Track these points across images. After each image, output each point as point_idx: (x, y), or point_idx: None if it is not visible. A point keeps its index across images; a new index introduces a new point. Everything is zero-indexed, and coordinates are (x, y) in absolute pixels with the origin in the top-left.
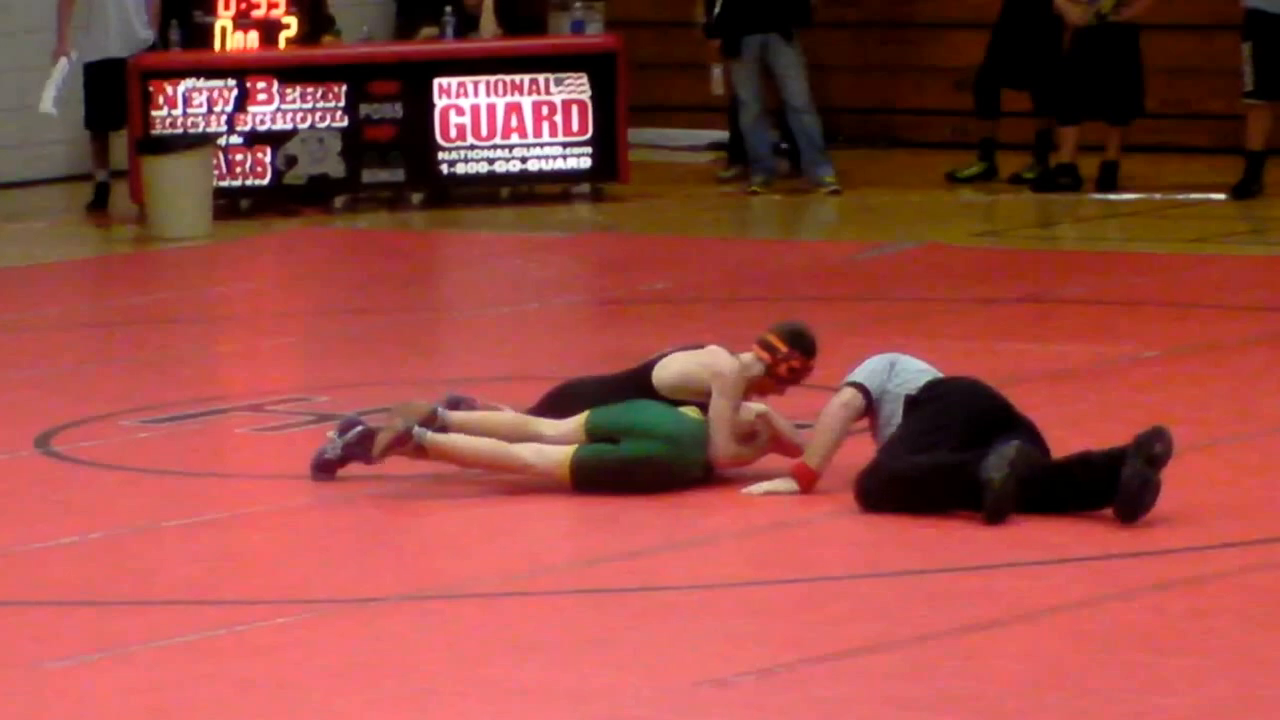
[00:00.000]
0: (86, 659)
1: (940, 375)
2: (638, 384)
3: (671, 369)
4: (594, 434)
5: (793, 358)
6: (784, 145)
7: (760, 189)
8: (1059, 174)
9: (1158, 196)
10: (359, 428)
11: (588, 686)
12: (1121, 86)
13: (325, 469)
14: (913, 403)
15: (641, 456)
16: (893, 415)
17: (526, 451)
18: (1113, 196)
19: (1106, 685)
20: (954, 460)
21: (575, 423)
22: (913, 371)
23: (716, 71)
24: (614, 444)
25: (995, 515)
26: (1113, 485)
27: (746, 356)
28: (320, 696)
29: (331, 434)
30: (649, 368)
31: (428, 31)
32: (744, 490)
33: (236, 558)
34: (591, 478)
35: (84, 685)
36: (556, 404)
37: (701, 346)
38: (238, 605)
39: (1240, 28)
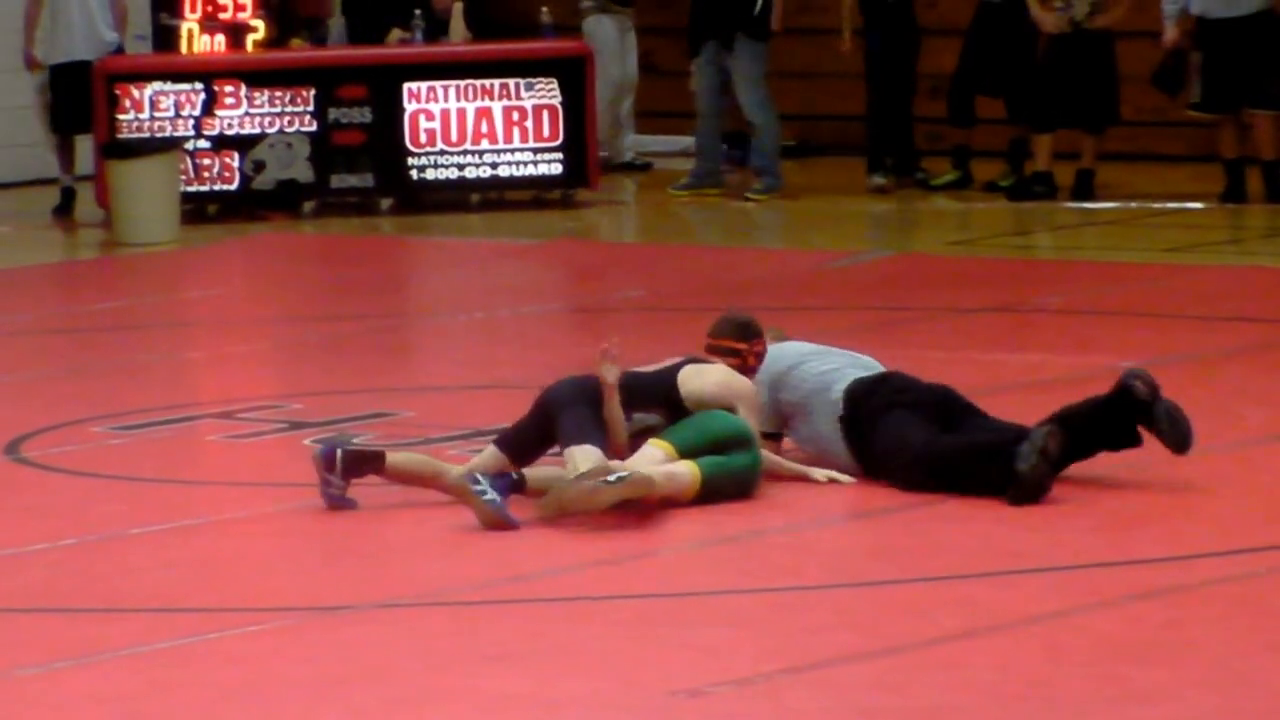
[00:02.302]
0: (57, 666)
1: (837, 372)
2: (665, 392)
3: (699, 386)
4: (686, 454)
5: (756, 345)
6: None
7: (684, 194)
8: (1034, 182)
9: (1134, 205)
10: (339, 455)
11: (560, 696)
12: (1096, 94)
13: (341, 503)
14: (854, 418)
15: (756, 465)
16: (816, 417)
17: (659, 474)
18: (1089, 205)
19: (1083, 697)
20: (989, 441)
21: (660, 448)
22: (800, 371)
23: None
24: (720, 454)
25: (1022, 500)
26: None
27: (728, 372)
28: (291, 705)
29: (325, 475)
30: (672, 375)
31: (397, 35)
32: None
33: (207, 565)
34: (717, 491)
35: (55, 693)
36: (554, 408)
37: (708, 361)
38: (208, 613)
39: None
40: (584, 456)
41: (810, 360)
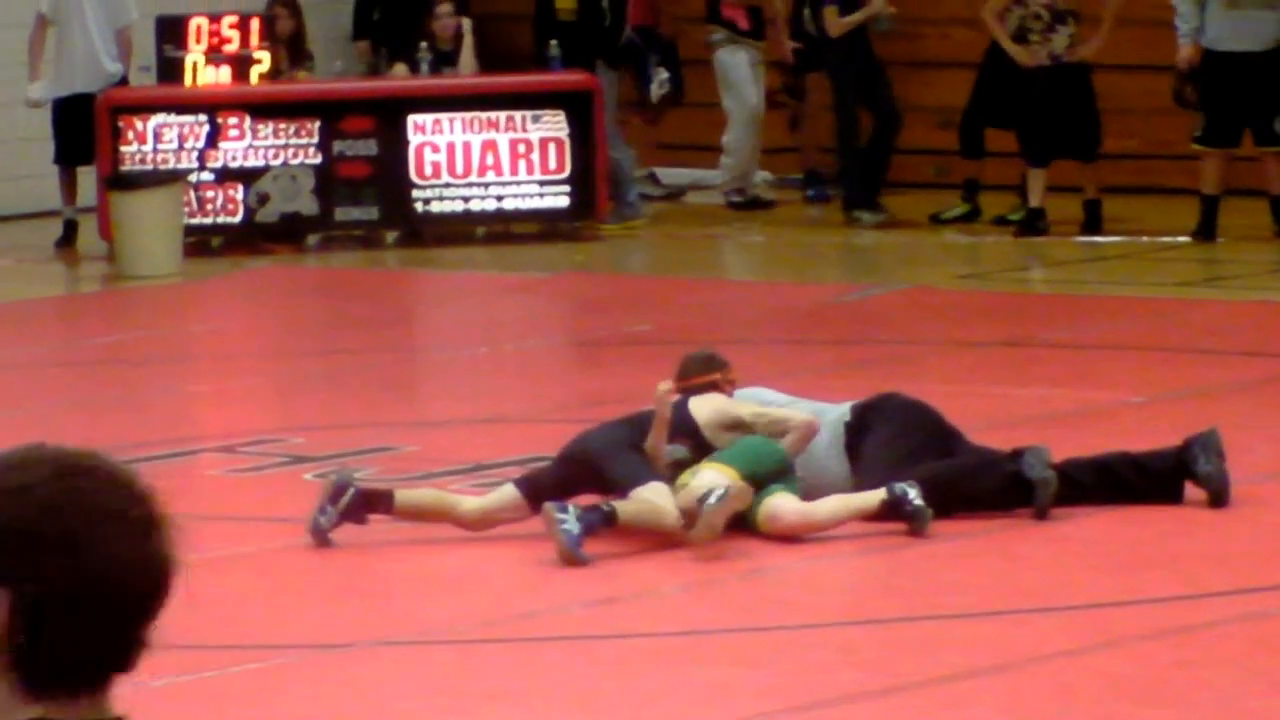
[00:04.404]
0: None
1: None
2: (682, 424)
3: (710, 411)
4: (749, 480)
5: (728, 373)
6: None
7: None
8: (1035, 217)
9: (1143, 239)
10: (351, 490)
11: None
12: (1081, 125)
13: (321, 536)
14: (860, 426)
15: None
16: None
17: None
18: (1098, 239)
19: None
20: (986, 460)
21: (723, 472)
22: (793, 407)
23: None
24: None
25: (1044, 511)
26: (1175, 483)
27: (720, 397)
28: None
29: (326, 504)
30: (684, 407)
31: (402, 70)
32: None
33: (207, 601)
34: (758, 476)
35: None
36: (583, 454)
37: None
38: (207, 650)
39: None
40: (657, 494)
41: (799, 401)
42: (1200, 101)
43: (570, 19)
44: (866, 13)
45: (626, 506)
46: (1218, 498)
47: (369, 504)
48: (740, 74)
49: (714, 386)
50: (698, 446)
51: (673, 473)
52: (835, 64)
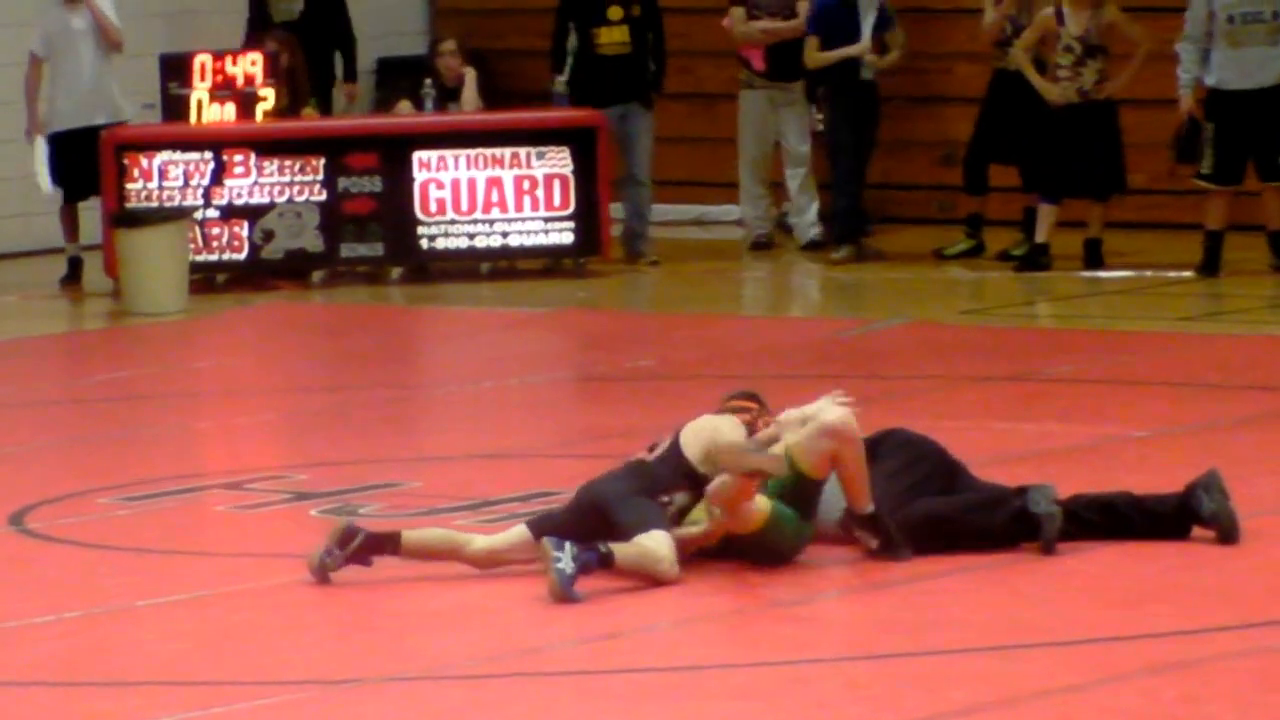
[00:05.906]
0: None
1: None
2: (676, 467)
3: (698, 442)
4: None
5: (765, 415)
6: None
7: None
8: (1039, 253)
9: (1149, 274)
10: (360, 535)
11: None
12: (1105, 163)
13: (323, 576)
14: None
15: (808, 533)
16: None
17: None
18: (1103, 274)
19: None
20: (993, 495)
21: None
22: None
23: None
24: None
25: (1050, 546)
26: (1180, 527)
27: (709, 417)
28: None
29: (334, 546)
30: (676, 449)
31: (406, 107)
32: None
33: (214, 638)
34: (774, 532)
35: None
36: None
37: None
38: (214, 686)
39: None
40: (656, 543)
41: None
42: (1209, 143)
43: (622, 51)
44: (843, 53)
45: (624, 550)
46: (1227, 535)
47: (376, 548)
48: (743, 120)
49: (746, 412)
50: (694, 485)
51: (676, 521)
52: (829, 96)
